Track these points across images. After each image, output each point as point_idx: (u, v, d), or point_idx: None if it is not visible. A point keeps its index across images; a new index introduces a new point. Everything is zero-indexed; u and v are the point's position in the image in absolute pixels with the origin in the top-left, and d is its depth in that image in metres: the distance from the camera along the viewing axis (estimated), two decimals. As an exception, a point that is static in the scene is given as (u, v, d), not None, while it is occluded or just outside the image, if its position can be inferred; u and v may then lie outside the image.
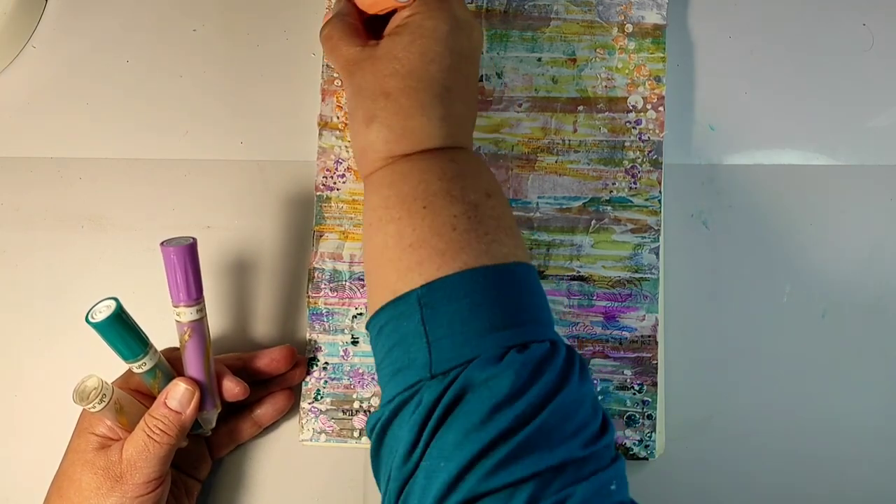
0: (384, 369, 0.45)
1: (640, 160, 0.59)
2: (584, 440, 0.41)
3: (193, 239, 0.52)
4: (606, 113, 0.60)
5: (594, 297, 0.59)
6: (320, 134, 0.60)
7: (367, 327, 0.47)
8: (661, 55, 0.60)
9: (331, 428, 0.58)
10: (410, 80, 0.47)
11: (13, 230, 0.62)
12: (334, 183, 0.60)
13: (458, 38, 0.49)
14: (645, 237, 0.59)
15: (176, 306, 0.52)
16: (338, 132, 0.60)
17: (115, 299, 0.49)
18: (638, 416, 0.58)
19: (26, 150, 0.63)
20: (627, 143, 0.60)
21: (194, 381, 0.53)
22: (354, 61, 0.50)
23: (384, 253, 0.46)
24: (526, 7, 0.60)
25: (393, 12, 0.50)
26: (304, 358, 0.59)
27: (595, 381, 0.58)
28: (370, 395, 0.59)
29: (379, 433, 0.43)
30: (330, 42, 0.52)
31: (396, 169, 0.47)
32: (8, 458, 0.60)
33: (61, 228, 0.61)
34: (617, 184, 0.59)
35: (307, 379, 0.59)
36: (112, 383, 0.51)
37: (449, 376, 0.41)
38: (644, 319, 0.58)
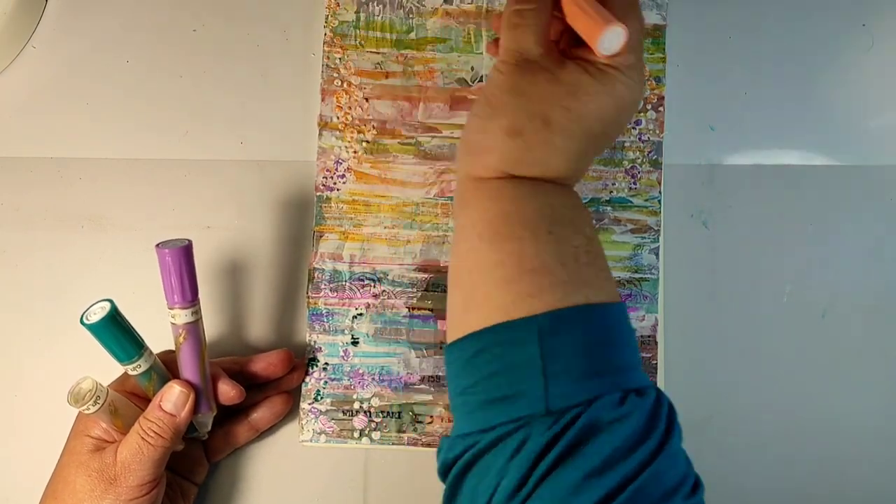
0: (474, 395, 0.42)
1: (639, 160, 0.59)
2: (685, 494, 0.39)
3: (189, 241, 0.52)
4: (606, 113, 0.60)
5: (594, 298, 0.59)
6: (320, 134, 0.60)
7: (451, 345, 0.44)
8: (661, 55, 0.60)
9: (331, 429, 0.58)
10: (578, 125, 0.45)
11: (13, 230, 0.62)
12: (334, 183, 0.60)
13: (627, 115, 0.47)
14: (645, 237, 0.59)
15: (171, 308, 0.52)
16: (338, 132, 0.60)
17: (110, 301, 0.49)
18: (638, 416, 0.58)
19: (26, 151, 0.63)
20: (627, 144, 0.60)
21: (189, 384, 0.52)
22: (533, 62, 0.45)
23: (498, 271, 0.43)
24: (526, 7, 0.60)
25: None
26: (301, 362, 0.59)
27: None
28: (370, 395, 0.59)
29: (468, 462, 0.41)
30: (519, 26, 0.46)
31: (520, 187, 0.45)
32: (7, 458, 0.60)
33: (61, 228, 0.61)
34: (617, 184, 0.59)
35: (307, 379, 0.59)
36: (108, 386, 0.51)
37: (567, 415, 0.39)
38: (644, 319, 0.58)
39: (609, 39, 0.43)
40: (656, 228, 0.59)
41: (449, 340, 0.45)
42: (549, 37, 0.47)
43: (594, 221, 0.59)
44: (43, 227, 0.62)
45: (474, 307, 0.43)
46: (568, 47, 0.47)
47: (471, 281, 0.45)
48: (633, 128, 0.59)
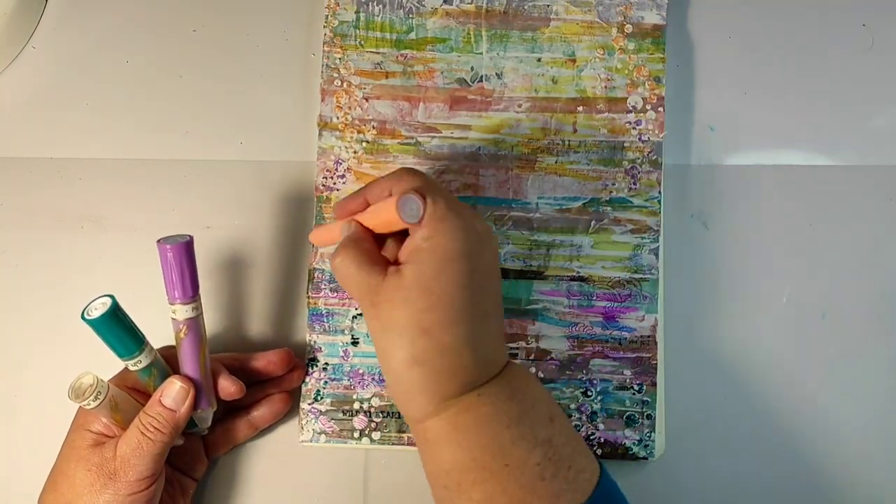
0: None
1: (639, 161, 0.59)
2: None
3: (190, 237, 0.52)
4: (606, 113, 0.60)
5: (594, 298, 0.59)
6: (320, 134, 0.60)
7: None
8: (661, 56, 0.60)
9: (331, 429, 0.58)
10: (449, 312, 0.45)
11: (13, 230, 0.62)
12: (334, 183, 0.60)
13: (482, 253, 0.46)
14: (644, 238, 0.59)
15: (172, 304, 0.52)
16: (338, 132, 0.60)
17: (111, 297, 0.49)
18: (637, 415, 0.58)
19: (26, 151, 0.63)
20: (627, 144, 0.60)
21: (189, 380, 0.53)
22: (379, 293, 0.46)
23: None
24: (525, 7, 0.60)
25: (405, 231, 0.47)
26: (301, 362, 0.59)
27: (595, 382, 0.58)
28: (370, 395, 0.59)
29: None
30: (348, 271, 0.47)
31: (457, 423, 0.45)
32: (8, 457, 0.60)
33: (61, 228, 0.61)
34: (616, 184, 0.59)
35: (307, 379, 0.59)
36: (108, 381, 0.51)
37: None
38: (643, 320, 0.58)
39: (406, 210, 0.45)
40: (656, 229, 0.59)
41: None
42: (381, 259, 0.48)
43: (593, 221, 0.59)
44: (43, 228, 0.62)
45: None
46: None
47: None
48: (634, 128, 0.59)
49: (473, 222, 0.46)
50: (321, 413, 0.59)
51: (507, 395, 0.45)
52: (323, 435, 0.59)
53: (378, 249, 0.49)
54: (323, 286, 0.59)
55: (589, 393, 0.58)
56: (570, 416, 0.58)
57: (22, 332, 0.61)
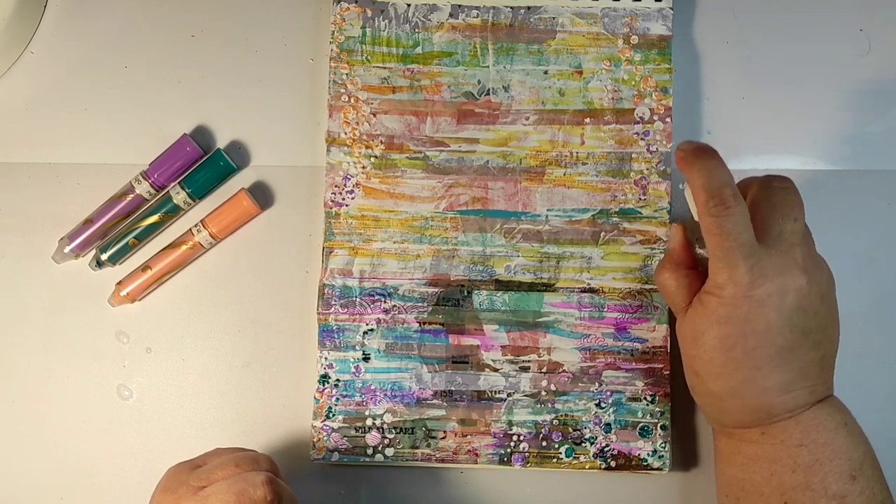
0: None
1: (648, 171, 0.60)
2: None
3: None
4: (614, 125, 0.60)
5: (605, 309, 0.59)
6: (328, 150, 0.60)
7: None
8: (668, 66, 0.60)
9: (343, 446, 0.58)
10: (710, 366, 0.48)
11: (11, 235, 0.62)
12: (343, 199, 0.60)
13: (757, 319, 0.46)
14: (654, 248, 0.59)
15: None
16: (346, 148, 0.60)
17: None
18: (651, 426, 0.58)
19: (24, 156, 0.62)
20: (635, 155, 0.60)
21: None
22: (679, 318, 0.51)
23: None
24: (532, 20, 0.60)
25: None
26: None
27: (607, 393, 0.58)
28: (382, 411, 0.58)
29: None
30: (663, 290, 0.52)
31: (741, 449, 0.48)
32: (7, 465, 0.60)
33: (59, 234, 0.61)
34: (625, 195, 0.60)
35: (318, 396, 0.59)
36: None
37: None
38: (655, 330, 0.59)
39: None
40: (666, 239, 0.59)
41: None
42: (693, 279, 0.51)
43: (603, 232, 0.59)
44: (41, 233, 0.61)
45: None
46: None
47: None
48: (641, 139, 0.60)
49: (756, 291, 0.46)
50: (333, 430, 0.58)
51: (797, 442, 0.47)
52: (336, 452, 0.58)
53: (691, 264, 0.52)
54: (333, 302, 0.59)
55: (602, 405, 0.58)
56: (584, 428, 0.58)
57: (21, 340, 0.61)
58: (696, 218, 0.49)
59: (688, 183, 0.49)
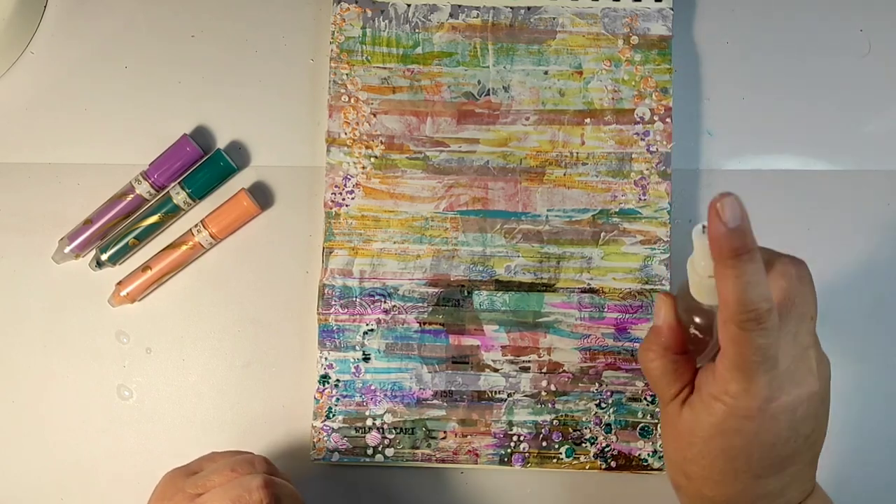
0: None
1: (648, 172, 0.60)
2: None
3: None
4: (614, 125, 0.60)
5: (605, 309, 0.59)
6: (328, 150, 0.60)
7: None
8: (668, 66, 0.60)
9: (343, 446, 0.58)
10: (707, 472, 0.44)
11: (11, 236, 0.62)
12: (343, 199, 0.60)
13: (759, 433, 0.42)
14: (654, 248, 0.59)
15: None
16: (346, 148, 0.60)
17: None
18: (651, 427, 0.58)
19: (24, 156, 0.62)
20: (635, 155, 0.60)
21: None
22: (664, 408, 0.46)
23: None
24: (532, 20, 0.60)
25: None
26: None
27: (608, 394, 0.58)
28: (383, 411, 0.58)
29: None
30: (648, 374, 0.46)
31: None
32: (7, 465, 0.60)
33: (59, 234, 0.61)
34: (626, 195, 0.60)
35: (318, 397, 0.59)
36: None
37: None
38: (655, 330, 0.59)
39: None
40: (666, 239, 0.59)
41: None
42: (683, 367, 0.45)
43: (603, 233, 0.59)
44: (41, 233, 0.61)
45: None
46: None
47: None
48: (641, 139, 0.60)
49: (769, 405, 0.42)
50: (333, 430, 0.58)
51: None
52: (336, 453, 0.58)
53: (682, 345, 0.46)
54: (333, 302, 0.59)
55: (602, 405, 0.58)
56: (584, 428, 0.58)
57: (21, 340, 0.61)
58: (693, 293, 0.43)
59: (717, 282, 0.40)
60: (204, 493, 0.47)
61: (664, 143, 0.60)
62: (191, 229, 0.60)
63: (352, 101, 0.60)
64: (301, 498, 0.50)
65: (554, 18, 0.60)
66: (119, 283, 0.60)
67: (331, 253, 0.59)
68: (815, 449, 0.45)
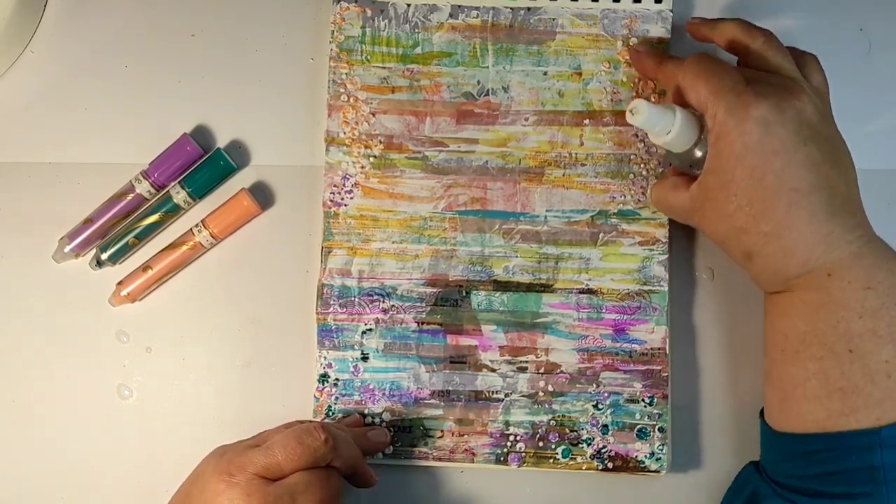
0: (809, 482, 0.48)
1: (646, 173, 0.60)
2: None
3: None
4: (612, 126, 0.60)
5: (603, 310, 0.59)
6: (327, 150, 0.60)
7: (778, 434, 0.50)
8: (667, 68, 0.60)
9: (342, 444, 0.58)
10: (755, 205, 0.48)
11: (11, 235, 0.62)
12: (342, 199, 0.60)
13: (769, 140, 0.47)
14: (653, 249, 0.59)
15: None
16: (345, 148, 0.60)
17: None
18: (649, 428, 0.58)
19: (25, 155, 0.63)
20: (634, 157, 0.60)
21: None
22: (691, 211, 0.52)
23: (806, 385, 0.47)
24: (531, 21, 0.60)
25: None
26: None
27: (605, 395, 0.59)
28: (381, 410, 0.59)
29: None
30: (661, 204, 0.56)
31: (805, 299, 0.48)
32: (7, 465, 0.61)
33: (59, 234, 0.61)
34: (624, 196, 0.60)
35: (318, 395, 0.59)
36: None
37: None
38: (654, 332, 0.59)
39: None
40: (664, 241, 0.59)
41: (768, 420, 0.52)
42: (684, 178, 0.54)
43: (601, 234, 0.59)
44: (41, 233, 0.62)
45: (789, 413, 0.49)
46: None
47: (781, 388, 0.49)
48: (640, 141, 0.60)
49: (757, 111, 0.47)
50: (332, 429, 0.59)
51: (863, 284, 0.46)
52: (335, 451, 0.59)
53: (682, 175, 0.54)
54: (332, 301, 0.59)
55: (599, 406, 0.59)
56: (581, 429, 0.58)
57: (22, 339, 0.61)
58: (672, 151, 0.53)
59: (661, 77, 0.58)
60: (262, 444, 0.49)
61: (663, 144, 0.60)
62: (191, 229, 0.60)
63: (351, 100, 0.60)
64: (357, 449, 0.53)
65: (553, 19, 0.60)
66: (119, 283, 0.60)
67: (329, 252, 0.60)
68: (842, 171, 0.49)
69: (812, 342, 0.47)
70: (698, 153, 0.51)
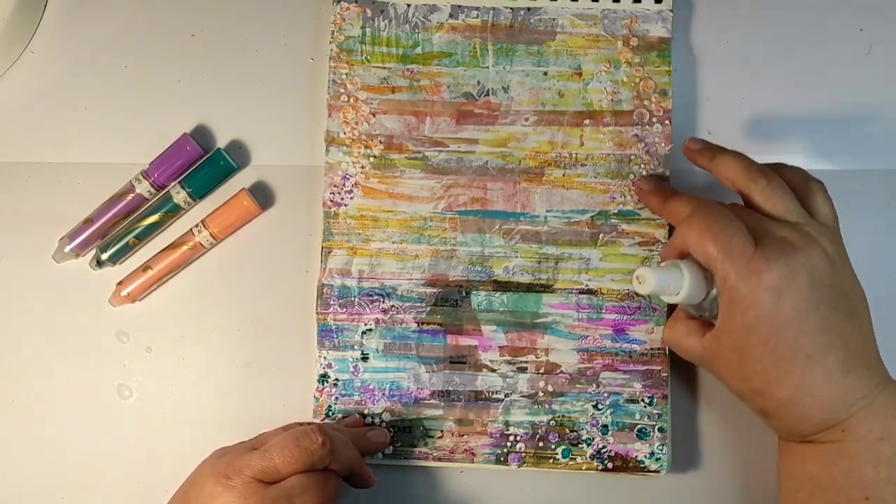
0: None
1: (646, 173, 0.60)
2: None
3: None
4: (613, 126, 0.60)
5: (603, 311, 0.59)
6: (327, 150, 0.60)
7: None
8: (667, 69, 0.60)
9: (342, 445, 0.58)
10: (769, 373, 0.48)
11: (11, 235, 0.62)
12: (342, 199, 0.60)
13: (781, 307, 0.47)
14: (653, 250, 0.59)
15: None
16: (345, 148, 0.60)
17: None
18: (649, 428, 0.58)
19: (25, 155, 0.63)
20: (634, 157, 0.60)
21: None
22: (704, 361, 0.53)
23: None
24: (531, 21, 0.60)
25: None
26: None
27: (605, 395, 0.59)
28: (381, 410, 0.59)
29: None
30: (673, 346, 0.56)
31: (819, 450, 0.48)
32: (7, 465, 0.61)
33: (59, 234, 0.61)
34: (624, 197, 0.60)
35: (318, 395, 0.59)
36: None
37: None
38: (654, 332, 0.59)
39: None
40: (664, 241, 0.59)
41: None
42: (697, 324, 0.54)
43: (601, 234, 0.59)
44: (41, 233, 0.62)
45: None
46: None
47: None
48: (640, 141, 0.60)
49: (769, 281, 0.47)
50: (332, 429, 0.59)
51: (878, 435, 0.47)
52: (335, 451, 0.59)
53: (694, 320, 0.54)
54: (332, 301, 0.59)
55: (599, 406, 0.59)
56: (581, 429, 0.58)
57: (21, 339, 0.61)
58: (683, 306, 0.54)
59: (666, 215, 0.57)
60: (260, 447, 0.50)
61: (663, 145, 0.60)
62: (191, 229, 0.60)
63: (351, 100, 0.60)
64: (355, 450, 0.53)
65: (553, 19, 0.60)
66: (120, 283, 0.60)
67: (329, 252, 0.60)
68: (857, 321, 0.49)
69: (827, 487, 0.47)
70: (708, 303, 0.52)
